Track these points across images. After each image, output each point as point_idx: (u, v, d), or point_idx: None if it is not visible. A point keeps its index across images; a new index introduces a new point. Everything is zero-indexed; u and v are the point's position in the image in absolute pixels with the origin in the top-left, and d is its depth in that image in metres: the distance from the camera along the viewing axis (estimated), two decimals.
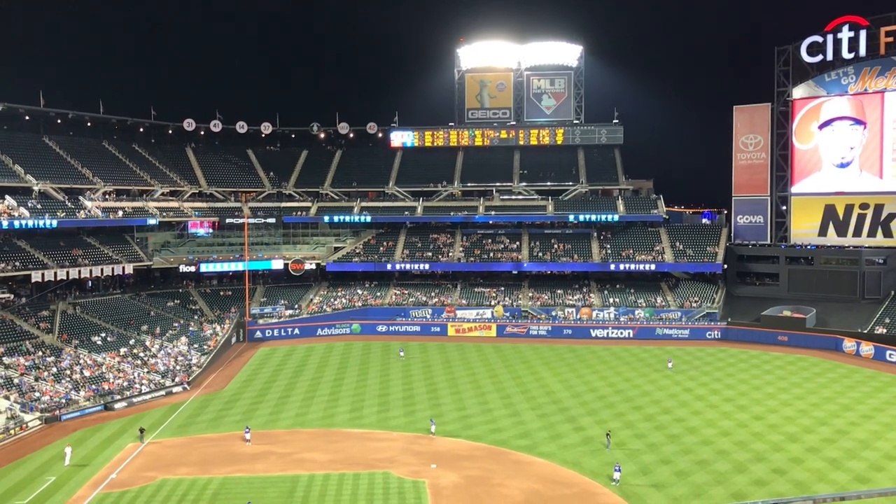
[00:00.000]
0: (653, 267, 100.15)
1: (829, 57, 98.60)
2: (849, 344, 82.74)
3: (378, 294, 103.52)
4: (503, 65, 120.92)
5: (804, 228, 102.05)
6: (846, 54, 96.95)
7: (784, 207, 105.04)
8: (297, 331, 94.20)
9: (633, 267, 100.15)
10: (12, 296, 78.81)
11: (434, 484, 45.46)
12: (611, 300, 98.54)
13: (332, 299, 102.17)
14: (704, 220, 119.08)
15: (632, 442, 53.02)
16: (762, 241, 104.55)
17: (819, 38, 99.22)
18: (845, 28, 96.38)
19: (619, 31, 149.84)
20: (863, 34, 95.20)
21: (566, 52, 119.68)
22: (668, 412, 60.34)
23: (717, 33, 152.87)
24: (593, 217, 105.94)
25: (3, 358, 68.42)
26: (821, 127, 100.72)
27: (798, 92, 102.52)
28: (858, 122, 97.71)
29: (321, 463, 49.54)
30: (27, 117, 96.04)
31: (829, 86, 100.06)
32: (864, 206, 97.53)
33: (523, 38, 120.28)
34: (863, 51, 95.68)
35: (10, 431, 56.56)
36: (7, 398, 61.08)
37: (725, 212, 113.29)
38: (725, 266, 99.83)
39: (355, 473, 47.33)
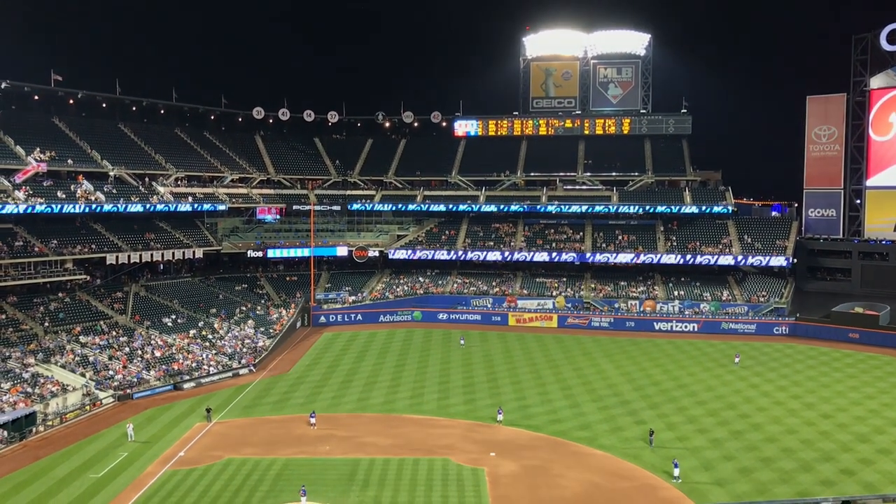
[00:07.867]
0: (720, 260, 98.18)
1: None
2: None
3: (440, 282, 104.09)
4: (569, 53, 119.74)
5: (879, 223, 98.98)
6: None
7: (858, 201, 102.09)
8: (359, 317, 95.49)
9: (699, 259, 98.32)
10: (88, 277, 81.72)
11: (493, 472, 45.72)
12: (676, 293, 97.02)
13: (394, 286, 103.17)
14: (774, 213, 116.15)
15: (695, 437, 52.28)
16: (834, 235, 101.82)
17: None
18: None
19: (688, 18, 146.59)
20: None
21: (634, 41, 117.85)
22: (733, 408, 59.29)
23: (790, 20, 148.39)
24: (659, 208, 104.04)
25: (80, 336, 71.31)
26: None
27: (876, 82, 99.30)
28: None
29: (382, 447, 50.29)
30: (104, 105, 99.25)
31: None
32: None
33: (590, 27, 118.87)
34: None
35: (86, 408, 58.96)
36: (83, 375, 63.63)
37: (796, 205, 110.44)
38: (795, 260, 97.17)
39: (415, 459, 47.90)
